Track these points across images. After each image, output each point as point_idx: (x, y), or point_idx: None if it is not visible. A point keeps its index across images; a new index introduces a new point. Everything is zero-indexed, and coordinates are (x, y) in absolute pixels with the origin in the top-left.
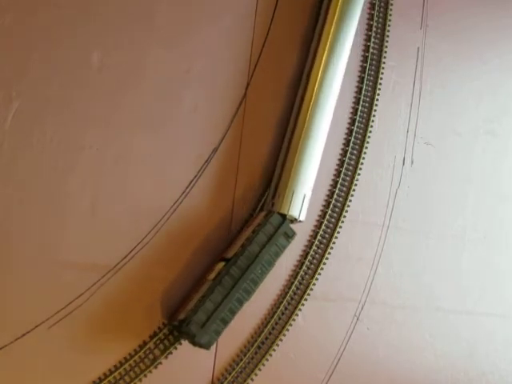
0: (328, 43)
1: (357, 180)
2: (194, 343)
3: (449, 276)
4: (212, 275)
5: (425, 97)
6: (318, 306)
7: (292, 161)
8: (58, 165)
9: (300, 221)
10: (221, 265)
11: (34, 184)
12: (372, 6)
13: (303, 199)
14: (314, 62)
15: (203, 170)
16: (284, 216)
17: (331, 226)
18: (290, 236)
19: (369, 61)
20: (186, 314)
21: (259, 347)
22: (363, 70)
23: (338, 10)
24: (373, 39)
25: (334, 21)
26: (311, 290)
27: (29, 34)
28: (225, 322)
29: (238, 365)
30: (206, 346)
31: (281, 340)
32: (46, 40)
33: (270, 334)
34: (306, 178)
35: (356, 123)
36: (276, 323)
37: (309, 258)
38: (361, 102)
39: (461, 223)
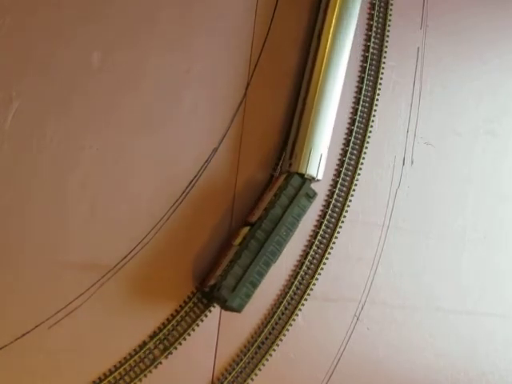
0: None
1: (357, 180)
2: (226, 308)
3: (449, 276)
4: (238, 240)
5: (425, 97)
6: (318, 305)
7: (307, 121)
8: (58, 165)
9: (318, 180)
10: (246, 229)
11: (34, 184)
12: (372, 6)
13: (320, 158)
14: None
15: (203, 169)
16: (303, 177)
17: (331, 226)
18: (311, 196)
19: (369, 61)
20: (215, 280)
21: (259, 347)
22: (363, 70)
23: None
24: (373, 39)
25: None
26: (311, 289)
27: (29, 34)
28: (254, 285)
29: (238, 365)
30: (238, 309)
31: (281, 340)
32: (46, 40)
33: (269, 333)
34: (322, 137)
35: (356, 123)
36: (276, 323)
37: (309, 258)
38: (361, 102)
39: (461, 223)
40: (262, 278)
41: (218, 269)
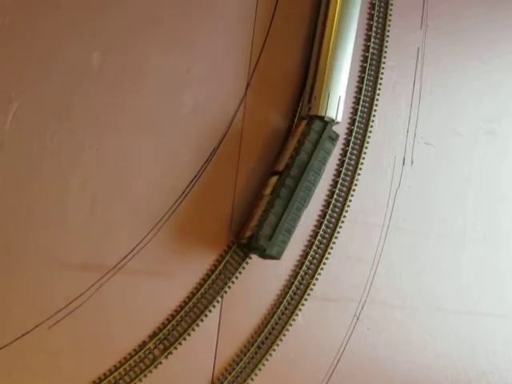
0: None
1: (357, 180)
2: (265, 256)
3: (449, 276)
4: (268, 190)
5: (425, 97)
6: (318, 305)
7: (325, 65)
8: (58, 165)
9: (337, 122)
10: (274, 179)
11: (33, 184)
12: (372, 6)
13: (339, 100)
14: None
15: (203, 169)
16: (323, 120)
17: (331, 226)
18: (334, 139)
19: (369, 61)
20: (252, 231)
21: (259, 347)
22: (363, 70)
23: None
24: (373, 39)
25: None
26: (311, 289)
27: (29, 34)
28: (289, 231)
29: (238, 365)
30: (277, 257)
31: (281, 340)
32: (46, 40)
33: (270, 333)
34: (340, 79)
35: (356, 123)
36: (276, 323)
37: (309, 258)
38: (361, 102)
39: (461, 223)
40: (295, 224)
41: (252, 220)
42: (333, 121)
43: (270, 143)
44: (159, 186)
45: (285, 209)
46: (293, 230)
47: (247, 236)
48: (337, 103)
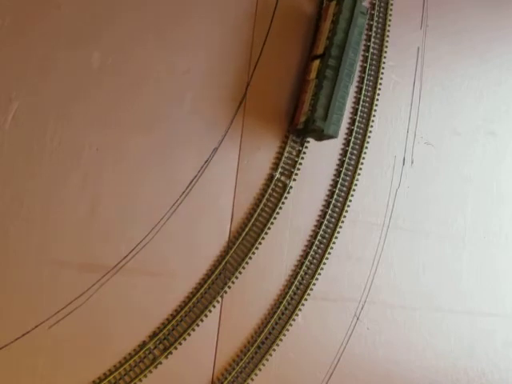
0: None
1: (357, 180)
2: (323, 137)
3: (449, 276)
4: (313, 74)
5: (425, 97)
6: (318, 305)
7: None
8: (57, 165)
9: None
10: (316, 62)
11: (33, 184)
12: (372, 6)
13: None
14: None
15: (203, 170)
16: None
17: (331, 226)
18: (365, 13)
19: (369, 61)
20: (306, 115)
21: (259, 347)
22: (363, 70)
23: None
24: (373, 39)
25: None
26: (311, 289)
27: (29, 34)
28: (341, 109)
29: (238, 365)
30: (335, 135)
31: (281, 340)
32: (46, 40)
33: (269, 333)
34: None
35: (356, 123)
36: (276, 323)
37: (309, 258)
38: (361, 102)
39: (461, 223)
40: (345, 101)
41: (303, 106)
42: None
43: (271, 142)
44: (159, 185)
45: (333, 88)
46: (344, 107)
47: (303, 121)
48: None
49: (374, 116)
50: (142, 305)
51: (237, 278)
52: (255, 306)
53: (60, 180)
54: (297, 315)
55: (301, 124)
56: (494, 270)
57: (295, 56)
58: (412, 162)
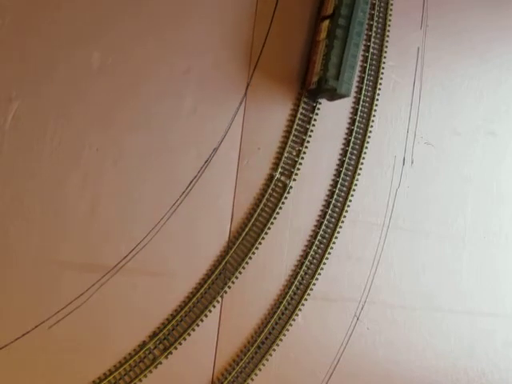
0: None
1: (357, 180)
2: (335, 96)
3: (448, 276)
4: (323, 34)
5: (425, 97)
6: (318, 305)
7: None
8: (57, 165)
9: None
10: (326, 23)
11: (33, 184)
12: (372, 6)
13: None
14: None
15: (203, 170)
16: None
17: (331, 226)
18: None
19: (369, 61)
20: (318, 75)
21: (259, 347)
22: (363, 70)
23: None
24: (373, 39)
25: None
26: (311, 289)
27: (29, 34)
28: (353, 68)
29: (238, 365)
30: (347, 94)
31: (281, 340)
32: (46, 40)
33: (269, 333)
34: None
35: (356, 123)
36: (276, 323)
37: (309, 258)
38: (361, 102)
39: (461, 223)
40: (356, 59)
41: (315, 66)
42: None
43: (271, 141)
44: (159, 185)
45: (343, 47)
46: (355, 66)
47: (315, 81)
48: None
49: (374, 116)
50: (141, 305)
51: (237, 277)
52: (255, 306)
53: (60, 180)
54: (297, 315)
55: (313, 84)
56: (494, 270)
57: (295, 55)
58: (412, 162)
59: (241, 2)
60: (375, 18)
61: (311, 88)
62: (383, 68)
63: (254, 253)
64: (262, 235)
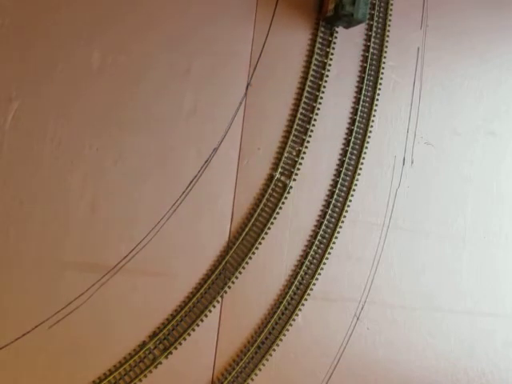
0: None
1: (357, 180)
2: (352, 22)
3: (448, 276)
4: (331, 5)
5: (425, 97)
6: (318, 306)
7: None
8: (58, 165)
9: None
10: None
11: (33, 184)
12: (372, 6)
13: None
14: None
15: (203, 169)
16: None
17: (331, 226)
18: None
19: (369, 61)
20: (335, 2)
21: (259, 347)
22: (363, 69)
23: None
24: (373, 39)
25: None
26: (311, 289)
27: (29, 34)
28: None
29: (238, 365)
30: (363, 19)
31: (281, 340)
32: (46, 40)
33: (269, 333)
34: None
35: (356, 123)
36: (276, 323)
37: (309, 258)
38: (361, 102)
39: (461, 223)
40: None
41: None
42: None
43: (271, 141)
44: (159, 185)
45: None
46: None
47: (332, 8)
48: None
49: (374, 116)
50: (141, 305)
51: (237, 277)
52: (255, 306)
53: (60, 180)
54: (297, 315)
55: (330, 11)
56: (494, 270)
57: (295, 55)
58: (412, 162)
59: (241, 2)
60: (375, 18)
61: (328, 15)
62: (383, 68)
63: (254, 253)
64: (262, 235)
